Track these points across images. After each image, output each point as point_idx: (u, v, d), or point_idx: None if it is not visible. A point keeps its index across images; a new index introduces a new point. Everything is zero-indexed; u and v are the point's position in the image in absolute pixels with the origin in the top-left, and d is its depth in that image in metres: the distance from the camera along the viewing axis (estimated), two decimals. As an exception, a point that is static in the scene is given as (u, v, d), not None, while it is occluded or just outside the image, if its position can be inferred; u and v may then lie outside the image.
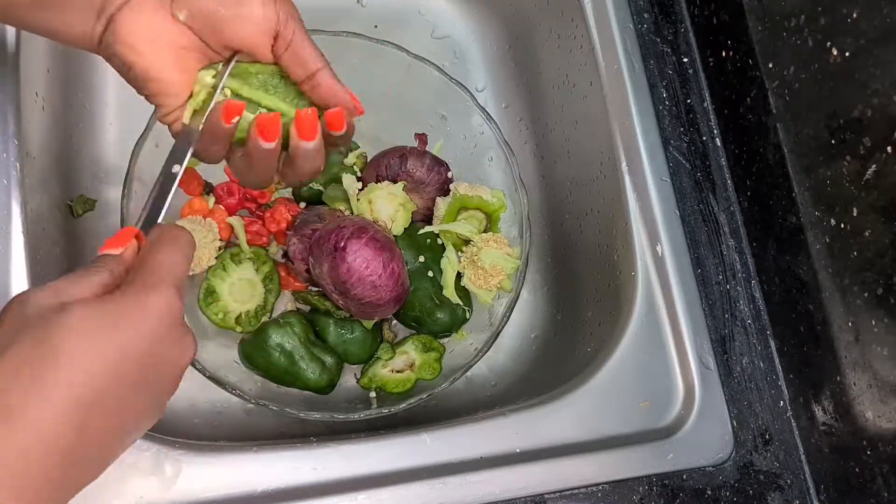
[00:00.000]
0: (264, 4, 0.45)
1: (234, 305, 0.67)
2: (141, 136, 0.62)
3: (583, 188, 0.74)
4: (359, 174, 0.72)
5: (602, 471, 0.60)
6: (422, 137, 0.72)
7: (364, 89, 0.73)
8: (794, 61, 0.59)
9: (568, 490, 0.59)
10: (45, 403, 0.34)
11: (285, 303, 0.70)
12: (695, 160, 0.69)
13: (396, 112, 0.73)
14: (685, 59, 0.72)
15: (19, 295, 0.38)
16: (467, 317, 0.69)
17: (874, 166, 0.52)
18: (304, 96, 0.50)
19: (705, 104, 0.71)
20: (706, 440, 0.63)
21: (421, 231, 0.69)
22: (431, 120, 0.73)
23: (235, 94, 0.49)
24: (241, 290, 0.67)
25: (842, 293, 0.57)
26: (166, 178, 0.47)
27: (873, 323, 0.54)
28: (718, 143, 0.70)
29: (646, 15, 0.72)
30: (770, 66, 0.62)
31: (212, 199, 0.68)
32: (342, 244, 0.61)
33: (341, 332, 0.67)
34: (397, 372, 0.69)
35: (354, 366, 0.71)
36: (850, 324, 0.57)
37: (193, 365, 0.60)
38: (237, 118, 0.47)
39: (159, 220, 0.46)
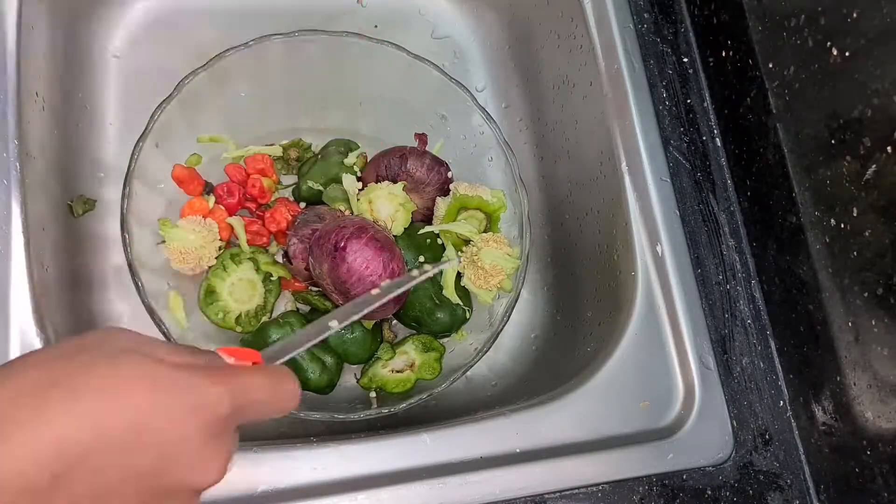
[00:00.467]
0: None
1: (234, 305, 0.67)
2: (141, 136, 0.62)
3: (583, 188, 0.74)
4: (359, 174, 0.72)
5: (602, 471, 0.60)
6: (422, 137, 0.72)
7: (364, 89, 0.74)
8: (794, 61, 0.59)
9: (568, 490, 0.59)
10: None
11: (285, 303, 0.70)
12: (695, 160, 0.69)
13: (396, 112, 0.73)
14: (685, 59, 0.72)
15: (111, 329, 0.35)
16: (467, 317, 0.69)
17: (874, 166, 0.52)
18: None
19: (705, 104, 0.71)
20: (706, 440, 0.63)
21: (421, 231, 0.69)
22: (431, 120, 0.73)
23: None
24: (241, 290, 0.67)
25: (842, 293, 0.57)
26: (316, 330, 0.46)
27: (873, 323, 0.54)
28: (718, 143, 0.70)
29: (646, 15, 0.72)
30: (770, 66, 0.62)
31: (212, 199, 0.68)
32: (342, 244, 0.61)
33: (341, 331, 0.67)
34: (397, 372, 0.69)
35: (354, 366, 0.71)
36: (850, 324, 0.57)
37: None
38: None
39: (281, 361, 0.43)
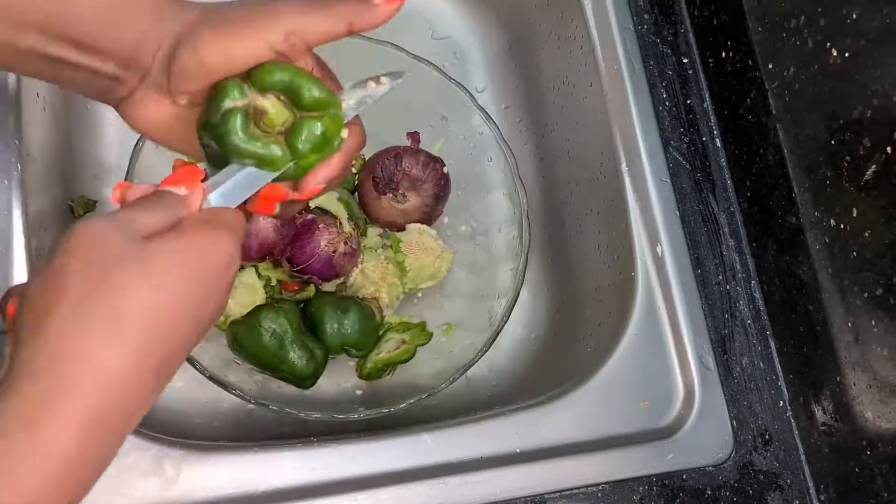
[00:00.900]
0: (251, 44, 0.42)
1: (234, 308, 0.67)
2: (141, 136, 0.62)
3: (583, 188, 0.75)
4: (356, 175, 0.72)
5: (602, 471, 0.60)
6: (414, 136, 0.72)
7: (364, 90, 0.74)
8: (794, 62, 0.59)
9: (568, 490, 0.59)
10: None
11: (285, 303, 0.70)
12: (695, 161, 0.69)
13: (396, 113, 0.73)
14: (685, 60, 0.72)
15: (84, 231, 0.36)
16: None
17: (874, 166, 0.52)
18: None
19: (705, 105, 0.71)
20: (706, 440, 0.63)
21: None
22: (431, 120, 0.73)
23: None
24: (242, 293, 0.67)
25: (842, 293, 0.57)
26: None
27: (873, 323, 0.54)
28: (718, 144, 0.70)
29: (646, 15, 0.72)
30: (770, 66, 0.62)
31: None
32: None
33: (339, 314, 0.67)
34: (395, 350, 0.70)
35: (352, 367, 0.71)
36: (849, 324, 0.57)
37: (193, 365, 0.60)
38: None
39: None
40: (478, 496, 0.58)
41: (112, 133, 0.73)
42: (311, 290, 0.69)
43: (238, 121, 0.42)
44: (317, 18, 0.42)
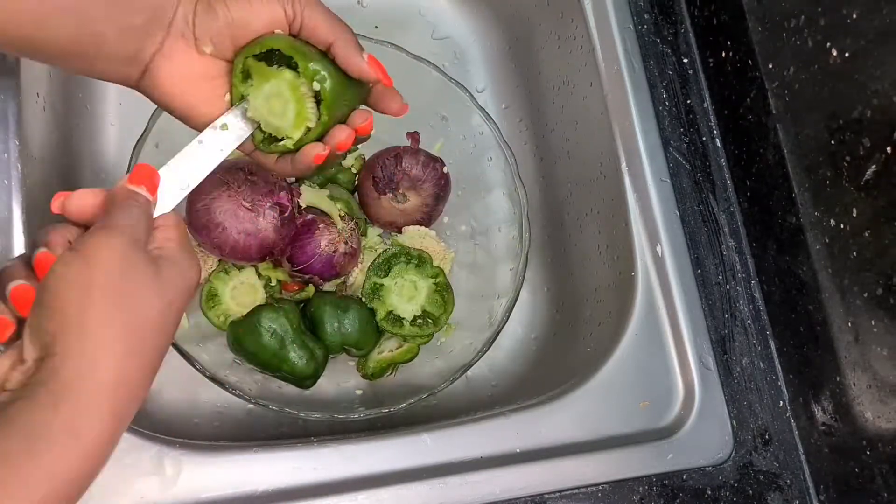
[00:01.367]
0: (267, 2, 0.47)
1: (235, 308, 0.67)
2: (141, 136, 0.62)
3: (583, 188, 0.75)
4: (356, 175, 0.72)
5: (602, 471, 0.60)
6: (413, 135, 0.72)
7: (364, 90, 0.74)
8: (794, 62, 0.59)
9: (568, 490, 0.59)
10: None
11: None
12: (695, 161, 0.69)
13: (396, 112, 0.73)
14: (685, 60, 0.72)
15: (110, 245, 0.39)
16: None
17: (874, 166, 0.52)
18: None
19: (705, 104, 0.71)
20: (706, 440, 0.63)
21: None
22: (431, 120, 0.73)
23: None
24: (242, 293, 0.67)
25: (842, 293, 0.57)
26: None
27: (873, 323, 0.54)
28: (718, 144, 0.70)
29: (646, 15, 0.72)
30: (770, 66, 0.62)
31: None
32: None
33: (339, 313, 0.67)
34: (397, 349, 0.69)
35: (352, 367, 0.71)
36: (849, 324, 0.57)
37: (193, 365, 0.60)
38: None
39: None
40: (478, 496, 0.58)
41: (112, 133, 0.73)
42: (311, 289, 0.69)
43: None
44: None
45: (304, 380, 0.65)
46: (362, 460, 0.58)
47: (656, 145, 0.69)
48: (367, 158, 0.74)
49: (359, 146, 0.73)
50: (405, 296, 0.69)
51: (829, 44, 0.55)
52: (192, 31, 0.47)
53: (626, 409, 0.63)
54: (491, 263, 0.73)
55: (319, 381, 0.66)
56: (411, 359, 0.70)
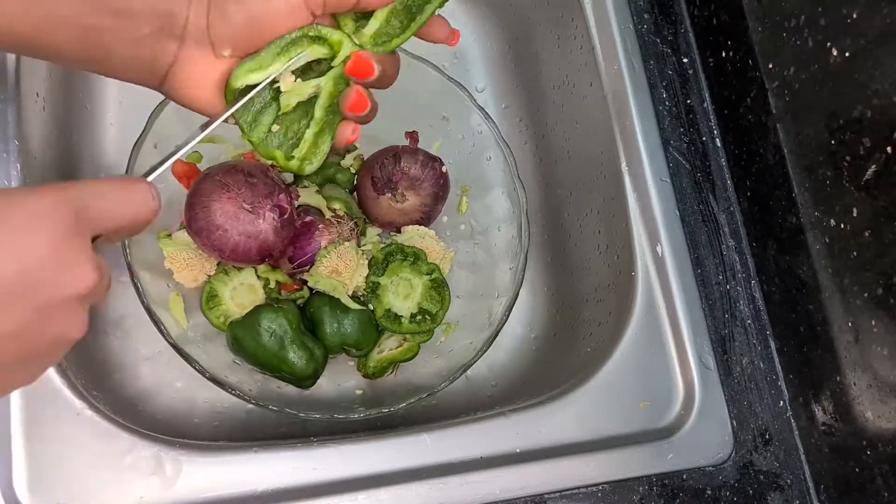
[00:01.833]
0: None
1: (234, 309, 0.67)
2: (140, 135, 0.62)
3: (583, 188, 0.74)
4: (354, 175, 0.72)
5: (602, 471, 0.60)
6: (412, 135, 0.72)
7: (364, 89, 0.74)
8: (794, 61, 0.59)
9: (568, 490, 0.59)
10: None
11: (285, 303, 0.70)
12: (695, 160, 0.69)
13: (395, 112, 0.73)
14: (685, 60, 0.72)
15: None
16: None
17: (874, 166, 0.52)
18: None
19: (705, 104, 0.71)
20: (706, 440, 0.63)
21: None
22: (430, 120, 0.73)
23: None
24: (242, 294, 0.67)
25: (842, 293, 0.57)
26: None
27: (873, 323, 0.54)
28: (718, 144, 0.70)
29: (646, 15, 0.72)
30: (770, 66, 0.62)
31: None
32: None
33: (338, 313, 0.67)
34: (397, 348, 0.69)
35: (352, 367, 0.71)
36: (850, 324, 0.57)
37: (193, 366, 0.60)
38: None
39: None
40: (478, 496, 0.58)
41: (112, 133, 0.73)
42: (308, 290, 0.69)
43: None
44: None
45: (304, 380, 0.65)
46: (362, 460, 0.58)
47: (656, 145, 0.69)
48: (365, 158, 0.73)
49: (357, 147, 0.74)
50: (401, 293, 0.69)
51: (829, 44, 0.55)
52: (207, 39, 0.45)
53: (626, 409, 0.63)
54: (490, 263, 0.73)
55: (319, 381, 0.66)
56: (411, 357, 0.70)
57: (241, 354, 0.65)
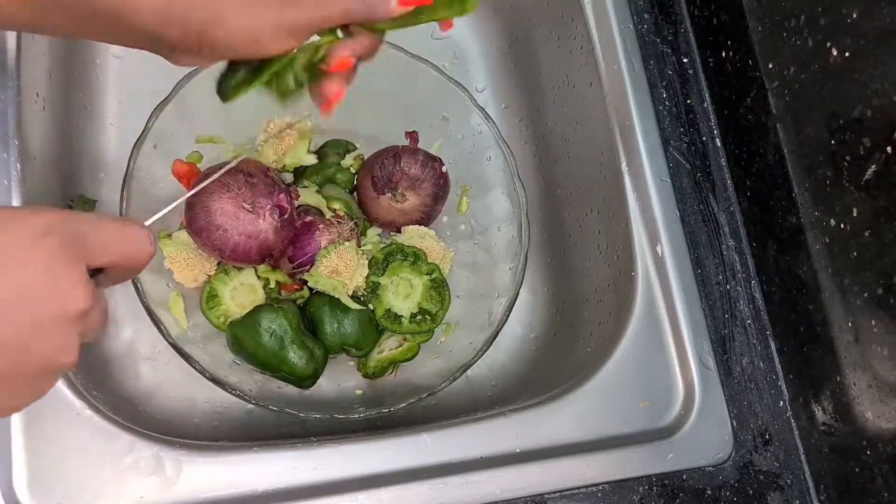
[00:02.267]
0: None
1: (235, 309, 0.67)
2: (140, 135, 0.62)
3: (583, 188, 0.74)
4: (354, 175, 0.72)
5: (602, 471, 0.60)
6: (412, 135, 0.72)
7: (362, 89, 0.74)
8: (794, 61, 0.59)
9: (568, 490, 0.59)
10: None
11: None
12: (695, 160, 0.69)
13: (395, 112, 0.73)
14: (685, 60, 0.72)
15: None
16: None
17: (874, 166, 0.52)
18: None
19: (705, 104, 0.71)
20: (706, 440, 0.63)
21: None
22: (430, 120, 0.73)
23: None
24: (242, 293, 0.67)
25: (842, 293, 0.57)
26: None
27: (873, 323, 0.54)
28: (718, 144, 0.70)
29: (646, 15, 0.72)
30: (770, 66, 0.62)
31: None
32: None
33: (338, 313, 0.67)
34: (397, 348, 0.69)
35: (352, 367, 0.71)
36: (850, 324, 0.57)
37: (193, 366, 0.60)
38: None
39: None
40: (478, 496, 0.58)
41: (112, 133, 0.73)
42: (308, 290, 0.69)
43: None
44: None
45: (304, 380, 0.65)
46: (362, 460, 0.58)
47: (656, 145, 0.69)
48: (365, 158, 0.73)
49: (357, 147, 0.74)
50: (401, 293, 0.69)
51: (829, 44, 0.55)
52: (199, 54, 0.45)
53: (626, 409, 0.63)
54: (490, 263, 0.73)
55: (319, 381, 0.66)
56: (412, 357, 0.70)
57: (241, 354, 0.65)
